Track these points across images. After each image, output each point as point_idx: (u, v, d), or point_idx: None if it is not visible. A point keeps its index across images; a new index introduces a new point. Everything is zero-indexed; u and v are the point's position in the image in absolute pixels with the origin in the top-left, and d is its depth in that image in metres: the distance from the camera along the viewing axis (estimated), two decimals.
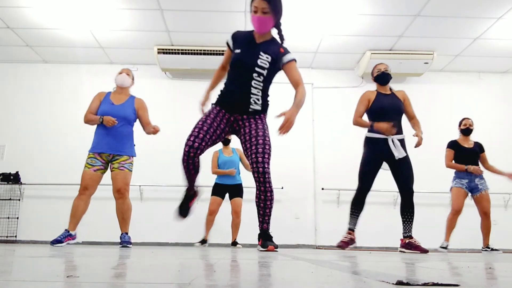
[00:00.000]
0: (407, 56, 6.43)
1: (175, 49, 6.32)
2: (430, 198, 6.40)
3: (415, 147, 3.80)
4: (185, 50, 6.33)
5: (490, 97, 7.13)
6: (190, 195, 3.17)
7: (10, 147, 6.71)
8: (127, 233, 4.07)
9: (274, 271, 1.34)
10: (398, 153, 3.77)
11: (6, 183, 6.46)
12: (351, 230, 3.97)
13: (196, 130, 2.82)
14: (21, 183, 6.49)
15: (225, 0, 5.24)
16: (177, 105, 6.84)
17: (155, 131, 4.07)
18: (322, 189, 6.48)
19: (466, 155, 5.05)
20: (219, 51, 6.19)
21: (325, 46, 6.38)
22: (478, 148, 5.13)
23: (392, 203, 6.52)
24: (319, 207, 6.61)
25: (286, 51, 2.91)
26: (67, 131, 6.56)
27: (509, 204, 6.69)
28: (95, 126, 4.07)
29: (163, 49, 6.34)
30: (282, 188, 6.52)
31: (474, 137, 5.26)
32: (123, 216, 4.02)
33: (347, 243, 3.92)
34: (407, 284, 0.89)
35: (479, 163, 5.12)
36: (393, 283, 0.92)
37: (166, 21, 5.73)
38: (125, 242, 4.02)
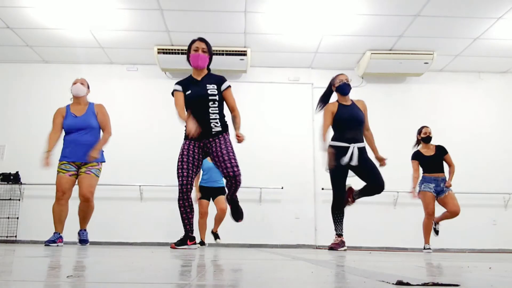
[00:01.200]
0: (407, 56, 6.42)
1: (175, 49, 6.32)
2: None
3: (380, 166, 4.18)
4: (185, 50, 6.30)
5: (490, 97, 7.13)
6: (191, 237, 3.55)
7: (10, 147, 6.70)
8: (85, 230, 4.24)
9: (274, 271, 1.34)
10: (348, 161, 4.04)
11: (6, 183, 6.46)
12: (339, 235, 4.15)
13: (179, 171, 3.38)
14: (21, 183, 6.49)
15: (225, 0, 5.24)
16: None
17: (105, 140, 4.18)
18: (322, 189, 6.47)
19: (428, 163, 5.18)
20: (219, 51, 6.18)
21: (325, 46, 6.38)
22: (440, 152, 5.20)
23: (392, 203, 6.52)
24: (319, 207, 6.61)
25: (224, 79, 3.56)
26: None
27: (509, 204, 6.69)
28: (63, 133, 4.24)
29: (163, 49, 6.33)
30: (282, 188, 6.52)
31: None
32: (85, 215, 4.18)
33: (338, 244, 4.10)
34: (407, 284, 0.89)
35: (444, 165, 5.20)
36: (393, 283, 0.92)
37: (166, 21, 5.73)
38: (83, 240, 4.21)
